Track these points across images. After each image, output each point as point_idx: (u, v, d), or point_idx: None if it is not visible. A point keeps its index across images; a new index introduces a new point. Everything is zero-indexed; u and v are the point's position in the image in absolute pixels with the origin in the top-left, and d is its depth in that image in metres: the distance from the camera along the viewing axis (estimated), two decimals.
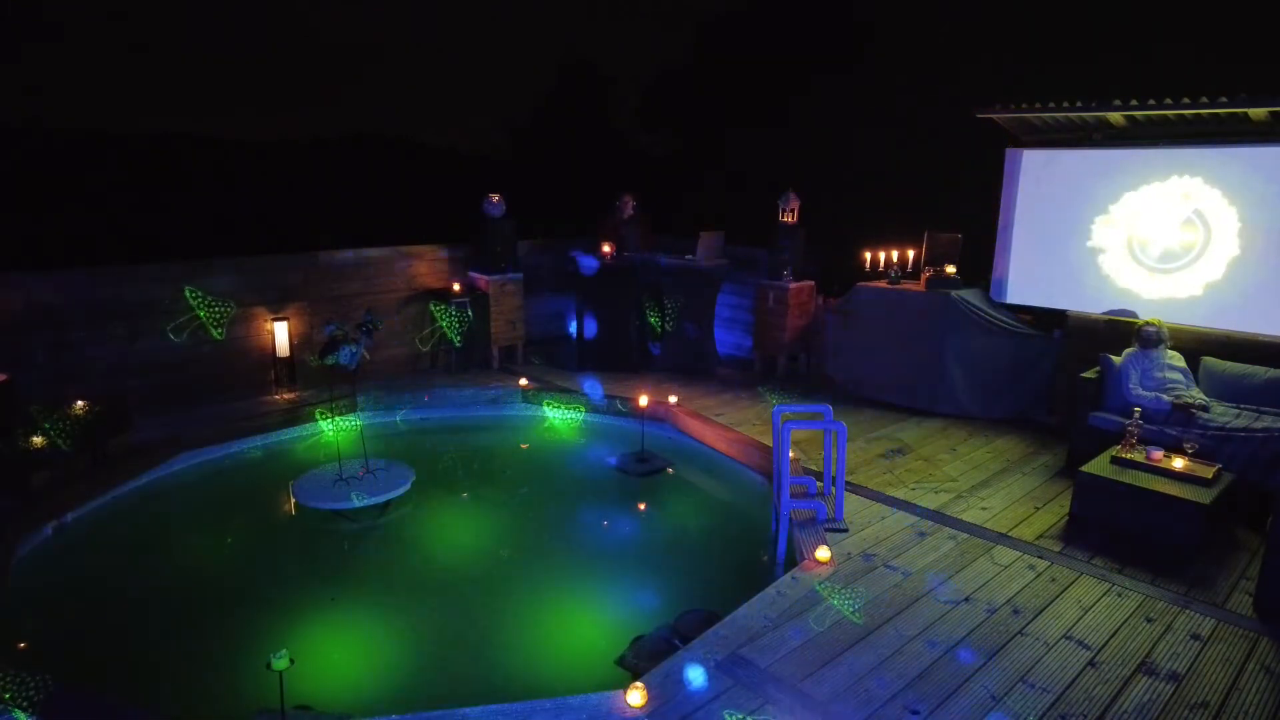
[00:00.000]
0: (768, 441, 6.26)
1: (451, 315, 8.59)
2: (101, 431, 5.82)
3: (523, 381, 7.97)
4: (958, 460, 6.33)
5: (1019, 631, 3.95)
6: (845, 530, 5.00)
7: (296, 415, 7.04)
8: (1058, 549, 4.84)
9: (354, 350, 5.63)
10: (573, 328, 9.08)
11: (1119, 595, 4.31)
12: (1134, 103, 6.34)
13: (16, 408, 5.54)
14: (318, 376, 7.64)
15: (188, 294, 7.22)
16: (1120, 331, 6.49)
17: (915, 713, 3.31)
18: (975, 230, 7.71)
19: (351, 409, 7.03)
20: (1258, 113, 5.92)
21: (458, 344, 8.60)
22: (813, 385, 8.25)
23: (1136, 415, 5.37)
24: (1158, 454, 5.06)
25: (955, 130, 8.69)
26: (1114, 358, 6.12)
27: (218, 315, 7.39)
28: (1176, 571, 4.55)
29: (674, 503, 6.27)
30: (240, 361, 7.65)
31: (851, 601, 4.14)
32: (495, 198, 8.70)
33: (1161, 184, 6.51)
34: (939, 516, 5.27)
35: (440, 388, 7.89)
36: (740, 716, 3.21)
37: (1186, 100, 6.09)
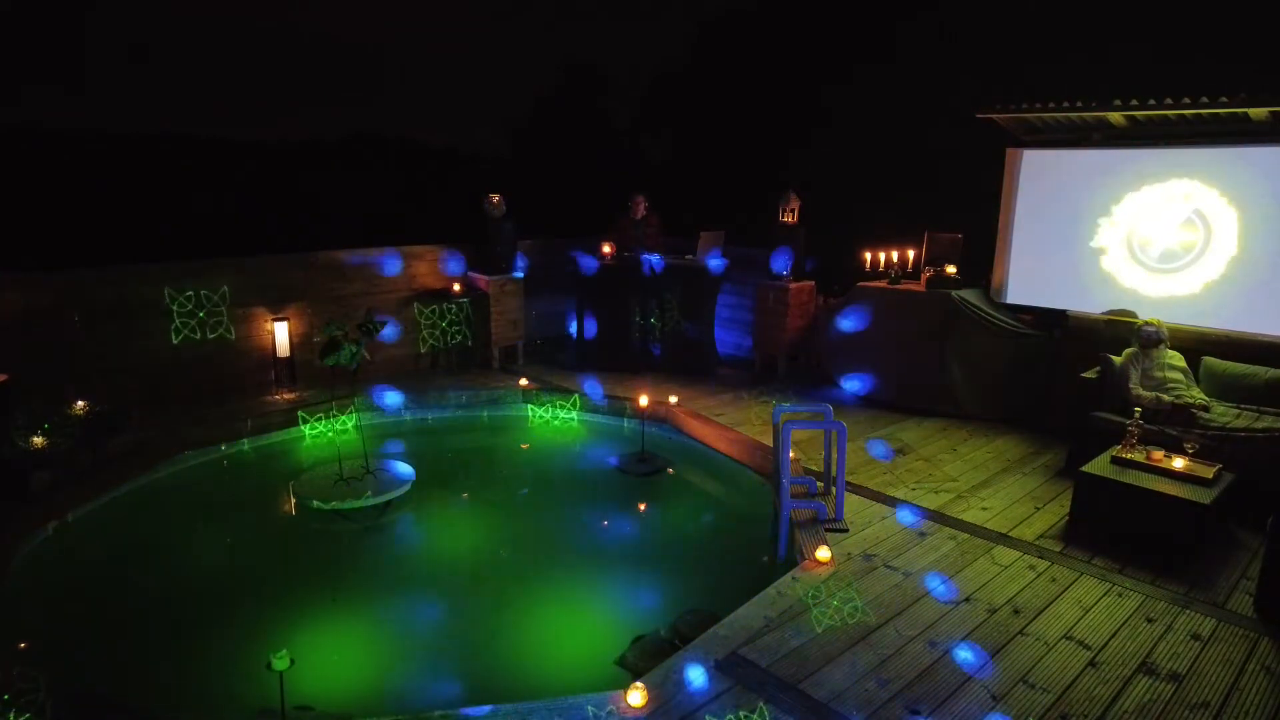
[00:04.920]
0: (768, 441, 6.26)
1: (451, 315, 8.59)
2: (101, 431, 5.82)
3: (523, 381, 7.97)
4: (958, 460, 6.32)
5: (1019, 632, 3.95)
6: (845, 530, 5.00)
7: (297, 415, 7.04)
8: (1058, 549, 4.84)
9: (355, 350, 5.63)
10: (573, 328, 9.08)
11: (1119, 595, 4.31)
12: (1134, 103, 6.34)
13: (16, 408, 5.55)
14: (318, 376, 7.65)
15: (187, 293, 7.23)
16: (1120, 331, 6.49)
17: (915, 713, 3.31)
18: (975, 230, 7.70)
19: (352, 409, 7.03)
20: (1258, 113, 5.92)
21: (448, 344, 8.63)
22: (813, 385, 8.25)
23: (1137, 415, 5.37)
24: (1158, 454, 5.06)
25: (955, 130, 8.68)
26: (1114, 358, 6.11)
27: (217, 315, 7.40)
28: (1176, 571, 4.55)
29: (674, 503, 6.27)
30: (240, 361, 7.65)
31: (851, 601, 4.14)
32: (495, 198, 8.71)
33: (1161, 184, 6.51)
34: (939, 516, 5.27)
35: (440, 387, 7.89)
36: (741, 716, 3.21)
37: (1187, 100, 6.10)
